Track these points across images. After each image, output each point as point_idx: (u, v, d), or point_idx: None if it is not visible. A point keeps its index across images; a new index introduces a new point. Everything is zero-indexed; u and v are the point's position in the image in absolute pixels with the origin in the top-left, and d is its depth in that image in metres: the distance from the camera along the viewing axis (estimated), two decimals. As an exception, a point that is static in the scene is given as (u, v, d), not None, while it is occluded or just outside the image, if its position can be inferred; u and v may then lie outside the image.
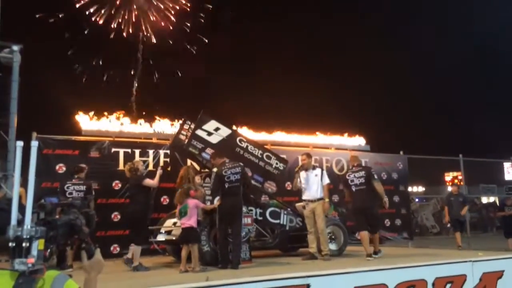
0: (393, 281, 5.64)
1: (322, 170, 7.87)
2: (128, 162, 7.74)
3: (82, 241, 1.81)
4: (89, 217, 1.90)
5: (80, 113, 9.34)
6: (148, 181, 7.10)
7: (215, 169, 7.03)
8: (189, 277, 5.80)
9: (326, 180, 7.64)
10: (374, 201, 7.67)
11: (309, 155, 7.94)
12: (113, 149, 9.16)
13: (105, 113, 9.57)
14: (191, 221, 6.44)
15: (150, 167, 9.19)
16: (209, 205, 6.90)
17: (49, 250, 1.62)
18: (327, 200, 7.53)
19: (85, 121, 9.28)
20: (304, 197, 7.65)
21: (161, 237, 7.34)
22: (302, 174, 7.66)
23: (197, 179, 7.43)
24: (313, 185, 7.56)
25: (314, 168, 7.80)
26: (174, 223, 7.32)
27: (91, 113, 9.44)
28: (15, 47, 4.97)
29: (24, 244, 1.50)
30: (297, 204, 8.20)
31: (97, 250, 1.86)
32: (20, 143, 1.67)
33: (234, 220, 6.80)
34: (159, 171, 7.42)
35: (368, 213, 7.56)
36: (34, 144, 1.68)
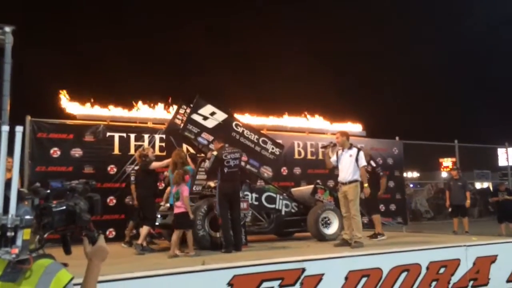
0: (387, 265, 5.69)
1: (359, 150, 7.13)
2: (139, 149, 8.19)
3: (82, 228, 1.75)
4: (93, 202, 1.81)
5: (74, 102, 9.23)
6: (154, 164, 7.40)
7: (214, 152, 7.04)
8: (186, 261, 5.82)
9: (362, 162, 6.97)
10: None
11: (343, 133, 7.36)
12: (108, 133, 9.09)
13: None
14: (183, 207, 6.43)
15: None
16: (190, 208, 6.60)
17: (37, 238, 1.57)
18: (366, 185, 7.06)
19: (77, 108, 9.18)
20: (338, 179, 7.21)
21: (157, 221, 7.36)
22: (339, 153, 7.16)
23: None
24: (345, 166, 6.98)
25: (350, 147, 7.14)
26: (170, 208, 7.34)
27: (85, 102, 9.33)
28: (7, 28, 4.85)
29: (8, 234, 1.45)
30: (305, 187, 8.19)
31: (100, 236, 1.80)
32: (5, 128, 1.58)
33: (234, 205, 6.84)
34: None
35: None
36: (19, 129, 1.60)
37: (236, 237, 6.78)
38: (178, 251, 6.41)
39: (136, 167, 8.17)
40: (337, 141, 7.28)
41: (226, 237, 6.68)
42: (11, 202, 1.49)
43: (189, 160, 7.40)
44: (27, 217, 1.50)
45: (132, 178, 8.14)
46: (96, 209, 1.82)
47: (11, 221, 1.47)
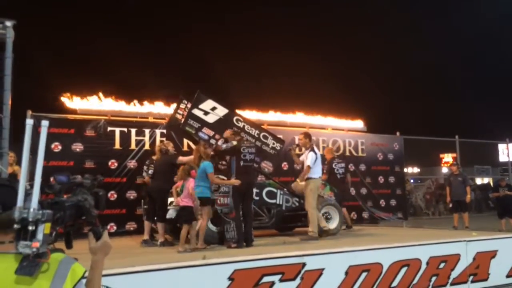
0: (388, 260, 5.71)
1: (310, 151, 7.61)
2: (158, 143, 8.29)
3: (89, 223, 1.77)
4: (98, 198, 1.83)
5: (70, 95, 9.20)
6: (181, 158, 7.41)
7: (234, 142, 7.05)
8: (186, 256, 5.82)
9: (307, 162, 7.49)
10: None
11: (306, 135, 7.88)
12: (109, 128, 9.09)
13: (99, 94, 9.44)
14: (186, 201, 6.42)
15: (147, 147, 9.19)
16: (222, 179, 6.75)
17: (54, 233, 1.58)
18: (298, 180, 7.78)
19: (77, 102, 9.17)
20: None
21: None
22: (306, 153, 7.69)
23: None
24: (304, 165, 7.64)
25: (308, 148, 7.72)
26: (171, 203, 7.34)
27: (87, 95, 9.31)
28: (8, 23, 4.85)
29: (30, 228, 1.46)
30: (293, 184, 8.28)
31: (104, 232, 1.82)
32: (30, 121, 1.63)
33: (247, 198, 6.86)
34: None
35: None
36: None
37: (247, 231, 6.75)
38: (180, 247, 6.41)
39: (137, 162, 8.18)
40: (300, 142, 7.88)
41: (239, 232, 6.65)
42: (33, 196, 1.49)
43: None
44: (48, 211, 1.51)
45: (150, 171, 7.82)
46: (101, 204, 1.83)
47: (33, 215, 1.46)
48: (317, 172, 7.55)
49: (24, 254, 1.47)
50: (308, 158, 7.50)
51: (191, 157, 7.26)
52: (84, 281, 1.58)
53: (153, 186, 7.54)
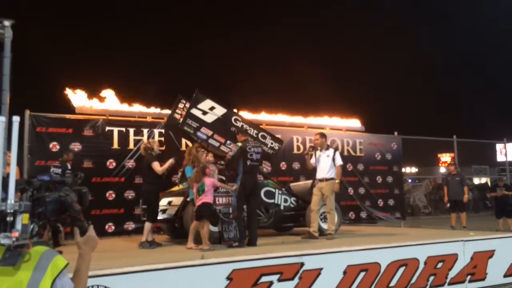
0: (385, 260, 5.73)
1: (335, 151, 7.86)
2: (145, 141, 8.07)
3: (73, 218, 1.80)
4: (81, 194, 1.87)
5: (72, 90, 9.17)
6: (155, 165, 7.04)
7: (239, 143, 7.08)
8: (185, 255, 5.83)
9: (339, 162, 7.69)
10: None
11: (322, 135, 8.01)
12: (107, 128, 9.08)
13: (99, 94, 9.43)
14: (207, 198, 6.42)
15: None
16: (225, 185, 6.95)
17: (32, 226, 1.61)
18: (337, 181, 7.64)
19: (78, 99, 9.14)
20: (316, 176, 7.75)
21: (158, 216, 7.35)
22: (317, 153, 7.76)
23: (210, 156, 7.38)
24: (323, 165, 7.64)
25: (327, 148, 7.87)
26: (169, 202, 7.34)
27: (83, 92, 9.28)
28: (7, 22, 4.84)
29: (8, 219, 1.49)
30: (304, 182, 8.29)
31: (90, 226, 1.85)
32: (2, 118, 1.64)
33: (251, 198, 6.89)
34: (170, 160, 7.27)
35: None
36: (16, 119, 1.65)
37: (251, 231, 6.76)
38: (193, 245, 6.40)
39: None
40: (316, 142, 7.86)
41: (240, 231, 6.68)
42: (10, 188, 1.53)
43: (209, 155, 7.34)
44: (26, 202, 1.55)
45: None
46: (84, 201, 1.87)
47: (10, 206, 1.50)
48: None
49: (6, 246, 1.50)
50: (338, 158, 7.69)
51: (167, 165, 7.09)
52: (66, 272, 1.60)
53: (141, 188, 7.51)
